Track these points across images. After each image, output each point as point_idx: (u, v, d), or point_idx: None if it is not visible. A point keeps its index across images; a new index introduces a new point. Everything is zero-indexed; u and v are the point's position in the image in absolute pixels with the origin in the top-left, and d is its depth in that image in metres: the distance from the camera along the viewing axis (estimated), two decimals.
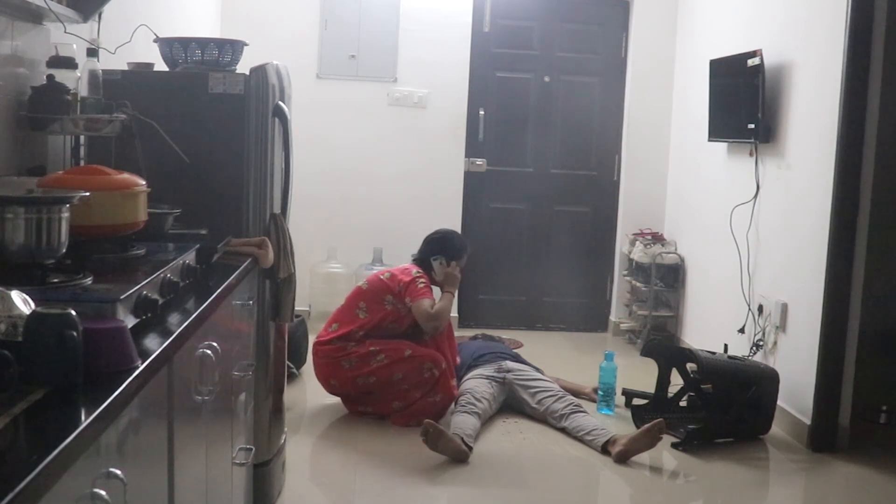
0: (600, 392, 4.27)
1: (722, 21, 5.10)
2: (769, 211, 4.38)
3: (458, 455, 3.55)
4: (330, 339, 4.07)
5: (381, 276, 4.16)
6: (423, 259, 4.27)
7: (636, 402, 4.18)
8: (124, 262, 1.98)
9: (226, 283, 2.10)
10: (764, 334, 4.35)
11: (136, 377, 1.35)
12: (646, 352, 4.33)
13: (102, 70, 2.51)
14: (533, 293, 6.01)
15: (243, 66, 2.85)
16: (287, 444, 3.32)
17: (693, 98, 5.26)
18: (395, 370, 3.97)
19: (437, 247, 4.30)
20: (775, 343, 4.26)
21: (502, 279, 5.98)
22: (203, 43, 2.85)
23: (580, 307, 6.04)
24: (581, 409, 3.98)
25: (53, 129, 2.40)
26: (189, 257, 2.06)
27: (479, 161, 5.84)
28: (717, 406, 3.91)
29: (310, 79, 5.54)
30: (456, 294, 4.25)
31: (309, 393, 4.41)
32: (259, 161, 2.78)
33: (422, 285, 4.08)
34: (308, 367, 4.63)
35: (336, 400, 4.21)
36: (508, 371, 4.22)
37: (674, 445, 3.81)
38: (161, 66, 2.91)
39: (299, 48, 5.52)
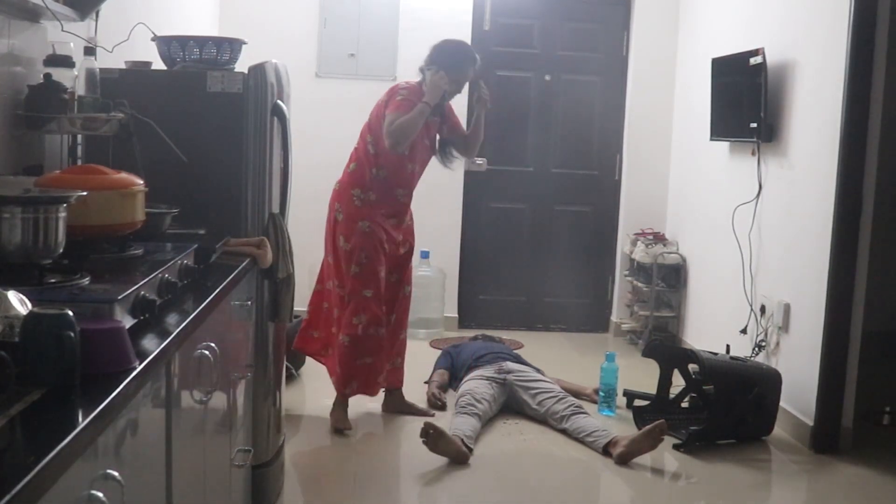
0: (601, 393, 4.26)
1: (723, 19, 5.08)
2: (771, 210, 4.37)
3: (458, 456, 3.53)
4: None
5: (379, 99, 3.94)
6: (423, 69, 3.94)
7: (637, 403, 4.16)
8: (122, 262, 1.97)
9: (224, 284, 2.09)
10: (766, 335, 4.34)
11: (133, 378, 1.34)
12: (647, 352, 4.31)
13: (100, 69, 2.50)
14: (533, 293, 6.00)
15: (242, 65, 2.83)
16: (286, 446, 3.30)
17: (695, 97, 5.24)
18: (349, 289, 3.91)
19: (433, 54, 3.90)
20: (777, 344, 4.25)
21: (502, 279, 5.96)
22: (201, 41, 2.83)
23: (581, 307, 6.03)
24: (582, 411, 3.97)
25: (50, 128, 2.39)
26: (187, 257, 2.05)
27: (480, 160, 5.82)
28: (719, 407, 3.89)
29: (309, 77, 5.52)
30: (427, 111, 3.80)
31: (308, 394, 4.40)
32: (258, 160, 2.77)
33: (400, 98, 3.79)
34: (307, 368, 4.61)
35: None
36: (509, 372, 4.20)
37: (675, 447, 3.80)
38: (159, 64, 2.90)
39: (298, 47, 5.51)
